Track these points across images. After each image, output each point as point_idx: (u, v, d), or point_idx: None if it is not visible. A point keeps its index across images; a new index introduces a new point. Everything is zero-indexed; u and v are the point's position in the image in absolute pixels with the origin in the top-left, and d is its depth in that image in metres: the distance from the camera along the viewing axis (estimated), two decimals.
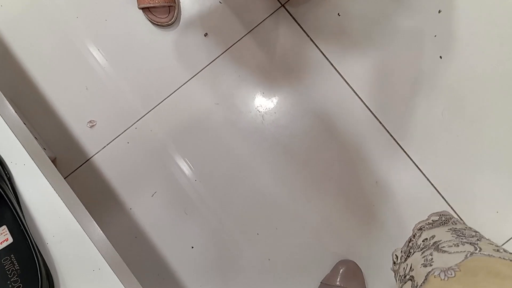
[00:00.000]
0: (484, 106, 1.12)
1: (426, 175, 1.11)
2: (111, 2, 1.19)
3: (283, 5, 1.17)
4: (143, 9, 1.15)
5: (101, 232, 0.73)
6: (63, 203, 0.65)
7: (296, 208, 1.13)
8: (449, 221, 0.75)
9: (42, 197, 0.65)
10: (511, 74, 1.12)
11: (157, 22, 1.15)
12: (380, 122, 1.12)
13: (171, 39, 1.18)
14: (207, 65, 1.16)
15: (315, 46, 1.15)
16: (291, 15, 1.17)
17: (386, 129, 1.12)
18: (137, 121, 1.16)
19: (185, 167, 1.15)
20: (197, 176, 1.14)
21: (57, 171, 0.80)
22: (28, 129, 0.75)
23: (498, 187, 1.10)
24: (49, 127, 1.18)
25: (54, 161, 1.17)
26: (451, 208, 1.10)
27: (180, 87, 1.16)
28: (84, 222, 0.66)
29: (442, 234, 0.67)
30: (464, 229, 0.68)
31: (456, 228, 0.68)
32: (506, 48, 1.12)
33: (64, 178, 1.16)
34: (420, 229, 0.75)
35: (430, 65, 1.13)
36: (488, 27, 1.13)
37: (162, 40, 1.18)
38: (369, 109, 1.13)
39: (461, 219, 1.10)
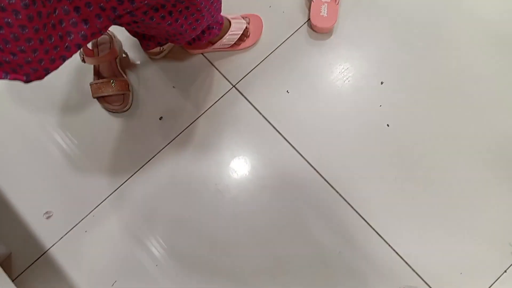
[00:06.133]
0: (434, 168, 1.15)
1: (388, 242, 1.11)
2: (65, 93, 1.22)
3: (234, 86, 1.22)
4: (97, 98, 1.18)
5: None
6: None
7: (260, 287, 1.10)
8: None
9: None
10: (455, 137, 1.17)
11: (112, 110, 1.18)
12: (337, 192, 1.14)
13: (127, 125, 1.20)
14: (164, 148, 1.18)
15: (268, 123, 1.19)
16: (242, 95, 1.21)
17: (343, 199, 1.14)
18: (94, 209, 1.14)
19: (143, 252, 1.12)
20: (157, 261, 1.12)
21: (4, 274, 0.78)
22: None
23: (459, 247, 1.11)
24: (4, 221, 1.15)
25: (9, 256, 1.13)
26: (414, 271, 1.10)
27: (137, 171, 1.17)
28: None
29: None
30: None
31: None
32: (447, 112, 1.18)
33: (20, 274, 1.13)
34: None
35: (378, 134, 1.17)
36: (429, 93, 1.20)
37: (118, 126, 1.20)
38: (326, 180, 1.15)
39: (426, 283, 1.09)
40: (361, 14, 1.27)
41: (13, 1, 0.61)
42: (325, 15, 1.22)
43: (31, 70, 0.72)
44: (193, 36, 1.00)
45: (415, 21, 1.26)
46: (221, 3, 0.99)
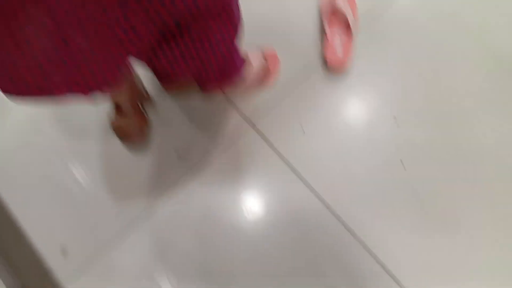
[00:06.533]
0: (450, 208, 1.15)
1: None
2: (84, 125, 1.25)
3: (250, 124, 1.24)
4: (115, 131, 1.20)
5: None
6: None
7: None
8: None
9: None
10: (472, 174, 1.17)
11: (129, 143, 1.20)
12: (351, 233, 1.14)
13: (143, 159, 1.22)
14: (178, 183, 1.19)
15: (283, 162, 1.20)
16: (258, 133, 1.23)
17: (358, 240, 1.13)
18: (108, 243, 1.15)
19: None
20: None
21: None
22: None
23: None
24: (19, 254, 1.15)
25: None
26: None
27: (151, 206, 1.17)
28: None
29: None
30: None
31: None
32: (463, 150, 1.19)
33: None
34: None
35: (393, 171, 1.18)
36: (443, 130, 1.21)
37: (134, 160, 1.21)
38: (341, 222, 1.15)
39: None
40: (375, 53, 1.29)
41: (79, 13, 0.65)
42: (340, 54, 1.25)
43: (94, 84, 0.78)
44: (225, 59, 1.00)
45: (429, 58, 1.28)
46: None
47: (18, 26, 0.64)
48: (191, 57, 0.93)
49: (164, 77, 1.16)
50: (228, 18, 0.87)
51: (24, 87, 0.76)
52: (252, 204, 1.18)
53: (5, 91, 0.77)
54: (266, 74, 1.24)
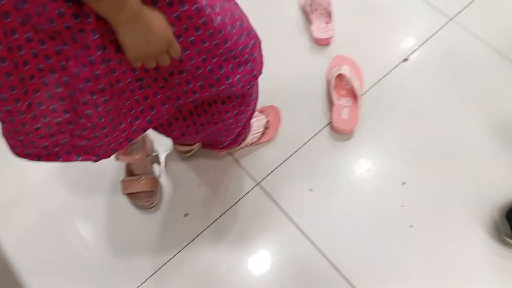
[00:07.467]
0: (461, 272, 1.12)
1: None
2: (96, 190, 1.27)
3: (258, 184, 1.26)
4: (127, 194, 1.22)
5: None
6: None
7: None
8: None
9: None
10: (477, 239, 1.15)
11: (140, 205, 1.22)
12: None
13: (152, 221, 1.23)
14: (187, 245, 1.19)
15: (290, 221, 1.20)
16: (266, 192, 1.24)
17: None
18: None
19: None
20: None
21: None
22: None
23: None
24: None
25: None
26: None
27: (160, 268, 1.17)
28: None
29: None
30: None
31: None
32: (469, 216, 1.18)
33: None
34: None
35: (402, 234, 1.17)
36: (453, 195, 1.21)
37: (144, 222, 1.23)
38: (349, 283, 1.12)
39: None
40: (382, 117, 1.32)
41: (95, 96, 0.68)
42: (346, 117, 1.28)
43: (101, 152, 0.80)
44: (235, 133, 1.04)
45: (436, 123, 1.30)
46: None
47: (33, 89, 0.68)
48: (204, 131, 0.97)
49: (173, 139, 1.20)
50: (244, 102, 0.92)
51: (32, 149, 0.79)
52: (257, 262, 1.16)
53: (14, 150, 0.80)
54: (266, 131, 1.28)
